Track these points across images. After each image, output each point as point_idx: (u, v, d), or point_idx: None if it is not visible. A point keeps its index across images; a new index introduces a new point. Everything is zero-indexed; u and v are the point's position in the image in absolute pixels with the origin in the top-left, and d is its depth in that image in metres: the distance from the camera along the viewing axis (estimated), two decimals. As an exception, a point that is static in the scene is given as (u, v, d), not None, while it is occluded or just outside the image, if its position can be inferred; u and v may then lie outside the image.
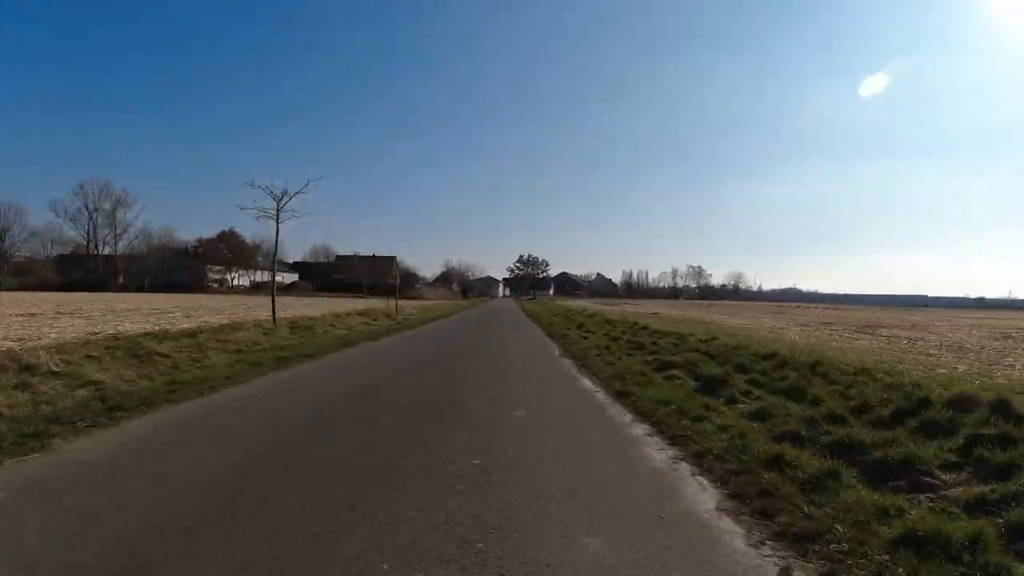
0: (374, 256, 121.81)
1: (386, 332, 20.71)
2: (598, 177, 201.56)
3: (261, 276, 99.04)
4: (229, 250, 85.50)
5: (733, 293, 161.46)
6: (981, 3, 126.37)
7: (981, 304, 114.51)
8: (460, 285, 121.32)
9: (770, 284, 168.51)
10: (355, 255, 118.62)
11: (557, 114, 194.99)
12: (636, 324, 21.23)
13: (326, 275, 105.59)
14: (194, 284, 78.99)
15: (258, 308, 28.93)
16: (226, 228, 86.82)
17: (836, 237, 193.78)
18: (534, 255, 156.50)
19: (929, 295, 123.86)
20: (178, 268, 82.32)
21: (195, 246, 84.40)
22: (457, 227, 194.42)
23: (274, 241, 20.89)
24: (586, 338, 18.30)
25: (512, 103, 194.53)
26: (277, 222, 18.86)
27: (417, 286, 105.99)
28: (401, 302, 57.19)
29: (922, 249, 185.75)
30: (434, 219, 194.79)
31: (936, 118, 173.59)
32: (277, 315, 18.74)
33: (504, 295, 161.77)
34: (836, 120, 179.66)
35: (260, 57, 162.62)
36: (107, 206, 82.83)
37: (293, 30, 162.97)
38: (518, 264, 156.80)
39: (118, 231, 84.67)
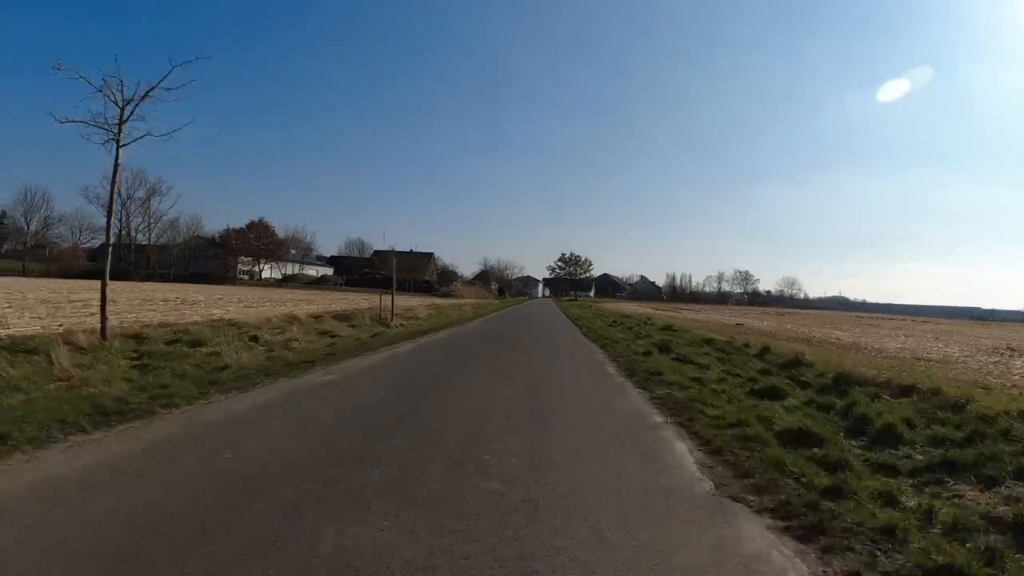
0: (411, 251, 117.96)
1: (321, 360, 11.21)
2: (638, 179, 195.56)
3: (293, 268, 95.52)
4: (258, 241, 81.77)
5: (778, 300, 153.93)
6: (1006, 10, 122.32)
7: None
8: (498, 284, 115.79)
9: (814, 291, 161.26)
10: (391, 249, 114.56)
11: (595, 114, 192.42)
12: (749, 345, 14.86)
13: (360, 270, 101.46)
14: (221, 275, 75.44)
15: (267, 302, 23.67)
16: (256, 218, 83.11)
17: (874, 244, 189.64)
18: (576, 254, 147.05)
19: (983, 307, 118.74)
20: (204, 258, 79.01)
21: (222, 236, 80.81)
22: (497, 226, 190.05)
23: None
24: (716, 390, 9.01)
25: (551, 102, 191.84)
26: (118, 144, 10.18)
27: (455, 283, 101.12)
28: (434, 300, 52.55)
29: (959, 258, 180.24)
30: (474, 217, 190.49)
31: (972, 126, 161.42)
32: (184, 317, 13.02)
33: (543, 295, 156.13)
34: (867, 124, 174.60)
35: (292, 43, 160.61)
36: (141, 194, 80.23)
37: (326, 17, 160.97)
38: (559, 263, 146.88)
39: (151, 220, 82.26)
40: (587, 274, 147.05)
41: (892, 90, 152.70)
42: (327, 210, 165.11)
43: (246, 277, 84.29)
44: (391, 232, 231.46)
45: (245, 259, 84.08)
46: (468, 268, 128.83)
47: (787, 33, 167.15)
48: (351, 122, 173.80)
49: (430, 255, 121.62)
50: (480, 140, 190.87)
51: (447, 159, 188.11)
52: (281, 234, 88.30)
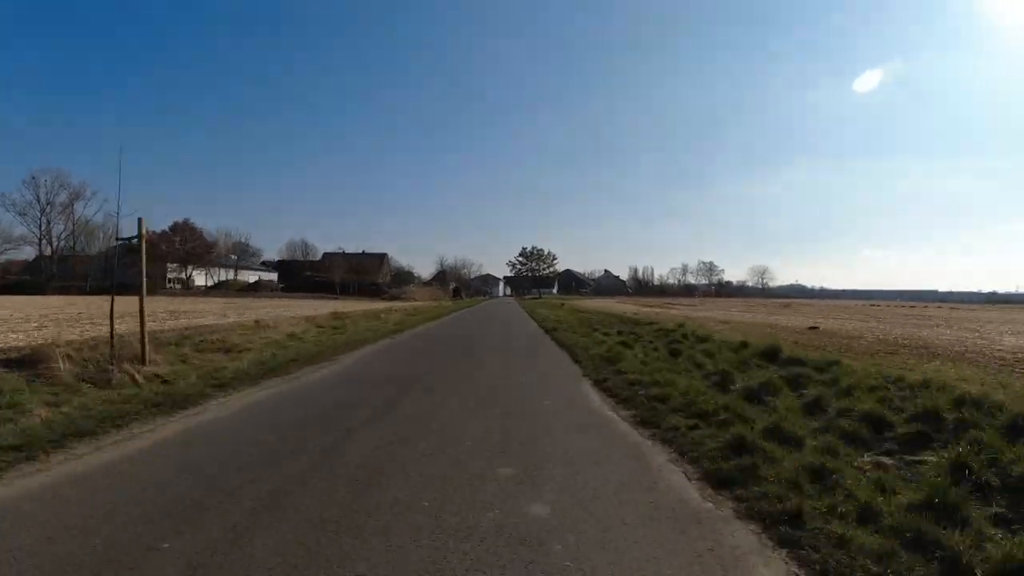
0: (363, 253, 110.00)
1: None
2: (598, 175, 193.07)
3: (227, 274, 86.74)
4: (184, 244, 73.00)
5: (739, 290, 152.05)
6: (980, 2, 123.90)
7: (993, 299, 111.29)
8: (454, 283, 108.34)
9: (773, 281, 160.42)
10: (340, 252, 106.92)
11: (555, 111, 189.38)
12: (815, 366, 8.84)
13: (304, 274, 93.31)
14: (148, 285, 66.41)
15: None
16: (180, 219, 74.13)
17: (835, 233, 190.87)
18: (538, 247, 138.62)
19: (940, 290, 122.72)
20: (123, 266, 69.79)
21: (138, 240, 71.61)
22: (454, 226, 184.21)
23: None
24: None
25: (508, 98, 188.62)
26: None
27: (409, 285, 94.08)
28: (372, 305, 45.33)
29: (919, 245, 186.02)
30: (431, 218, 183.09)
31: (936, 114, 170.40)
32: None
33: (505, 294, 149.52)
34: (834, 116, 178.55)
35: (248, 46, 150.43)
36: (63, 199, 70.51)
37: (282, 19, 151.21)
38: (520, 258, 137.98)
39: (76, 227, 72.27)
40: (551, 269, 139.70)
41: (866, 81, 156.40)
42: (276, 214, 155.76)
43: (177, 286, 75.56)
44: (343, 235, 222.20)
45: (172, 265, 75.04)
46: (427, 270, 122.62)
47: (757, 24, 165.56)
48: (306, 124, 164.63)
49: (383, 256, 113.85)
50: (441, 140, 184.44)
51: (404, 162, 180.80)
52: (215, 237, 79.59)
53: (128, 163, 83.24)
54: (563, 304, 51.08)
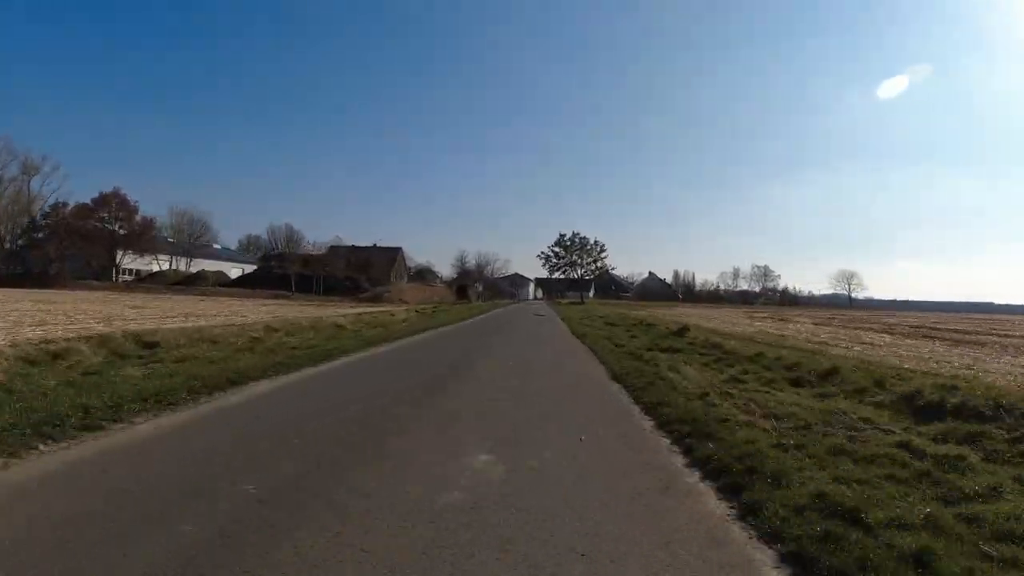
0: (374, 247, 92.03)
1: None
2: (637, 178, 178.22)
3: (183, 264, 69.11)
4: (114, 222, 55.38)
5: (794, 298, 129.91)
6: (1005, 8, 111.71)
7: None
8: (462, 282, 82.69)
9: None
10: (340, 244, 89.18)
11: (592, 113, 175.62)
12: None
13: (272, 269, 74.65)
14: (46, 274, 49.11)
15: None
16: (112, 188, 56.34)
17: (868, 242, 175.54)
18: (582, 235, 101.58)
19: (996, 303, 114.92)
20: (26, 250, 52.62)
21: (47, 215, 54.33)
22: (489, 227, 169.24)
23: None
24: None
25: (549, 101, 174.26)
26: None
27: (402, 282, 74.42)
28: (323, 312, 25.40)
29: (955, 256, 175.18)
30: (466, 217, 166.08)
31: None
32: None
33: (536, 297, 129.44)
34: (865, 123, 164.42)
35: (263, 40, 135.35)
36: (13, 172, 54.41)
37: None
38: (555, 248, 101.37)
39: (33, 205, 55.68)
40: (598, 264, 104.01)
41: (892, 87, 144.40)
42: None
43: (126, 278, 58.72)
44: (365, 230, 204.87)
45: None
46: (449, 270, 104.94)
47: (788, 31, 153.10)
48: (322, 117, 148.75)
49: (396, 251, 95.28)
50: (474, 139, 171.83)
51: (439, 157, 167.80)
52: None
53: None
54: (641, 322, 30.32)
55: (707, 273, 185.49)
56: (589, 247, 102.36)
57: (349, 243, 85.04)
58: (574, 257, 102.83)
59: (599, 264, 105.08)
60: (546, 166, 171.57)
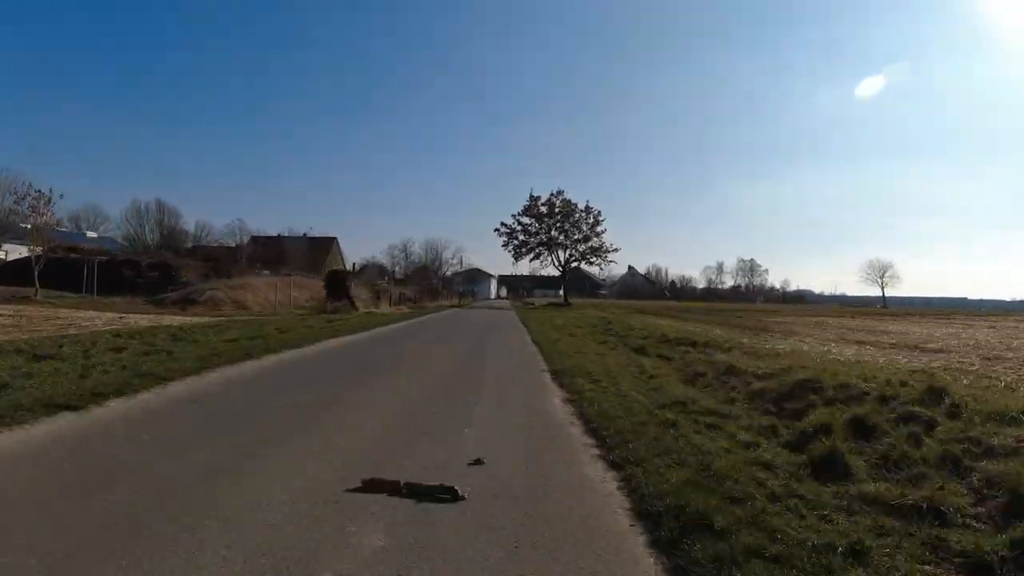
0: (304, 236, 70.96)
1: None
2: (611, 177, 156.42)
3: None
4: None
5: (798, 296, 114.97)
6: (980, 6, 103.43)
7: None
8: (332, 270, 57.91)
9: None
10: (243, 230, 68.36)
11: (560, 111, 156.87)
12: None
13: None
14: None
15: None
16: None
17: (840, 238, 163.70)
18: (566, 196, 65.05)
19: (970, 298, 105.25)
20: None
21: None
22: (461, 227, 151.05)
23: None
24: None
25: (523, 100, 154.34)
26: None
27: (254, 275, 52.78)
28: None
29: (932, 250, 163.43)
30: (419, 211, 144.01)
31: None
32: None
33: (499, 296, 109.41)
34: (838, 120, 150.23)
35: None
36: None
37: None
38: (523, 219, 65.19)
39: None
40: (591, 242, 64.39)
41: (869, 86, 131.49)
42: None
43: None
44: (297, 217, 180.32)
45: None
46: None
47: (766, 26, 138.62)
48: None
49: (330, 241, 74.53)
50: (442, 138, 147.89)
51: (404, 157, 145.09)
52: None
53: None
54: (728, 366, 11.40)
55: (684, 268, 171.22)
56: (577, 216, 63.64)
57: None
58: (553, 232, 63.72)
59: (594, 242, 63.97)
60: (529, 168, 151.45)
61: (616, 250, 64.02)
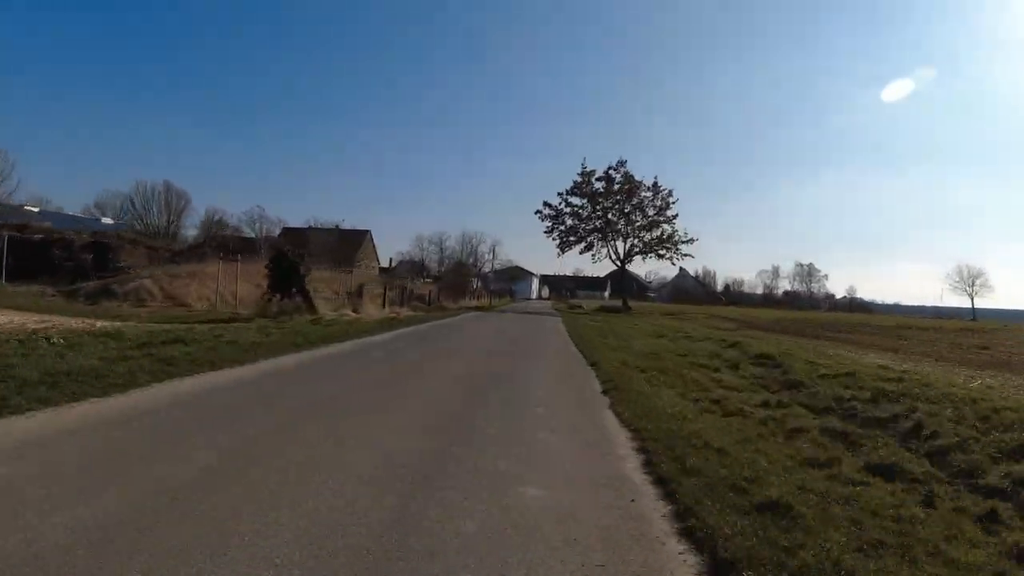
0: (336, 228, 63.84)
1: None
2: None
3: None
4: None
5: (864, 305, 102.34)
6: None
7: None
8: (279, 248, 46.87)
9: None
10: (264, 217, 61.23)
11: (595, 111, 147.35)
12: None
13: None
14: None
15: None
16: None
17: (874, 244, 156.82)
18: (627, 168, 50.24)
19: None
20: None
21: None
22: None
23: None
24: None
25: (559, 105, 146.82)
26: None
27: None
28: None
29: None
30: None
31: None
32: None
33: (541, 297, 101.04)
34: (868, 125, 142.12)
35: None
36: None
37: None
38: (571, 198, 50.74)
39: None
40: (662, 230, 49.69)
41: (897, 90, 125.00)
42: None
43: None
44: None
45: None
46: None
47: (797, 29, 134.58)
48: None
49: (363, 234, 68.43)
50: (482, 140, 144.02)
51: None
52: None
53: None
54: None
55: (733, 271, 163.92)
56: (642, 196, 48.93)
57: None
58: (611, 216, 49.28)
59: (664, 229, 49.49)
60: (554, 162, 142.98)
61: (692, 240, 48.91)
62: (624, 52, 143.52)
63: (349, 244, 60.53)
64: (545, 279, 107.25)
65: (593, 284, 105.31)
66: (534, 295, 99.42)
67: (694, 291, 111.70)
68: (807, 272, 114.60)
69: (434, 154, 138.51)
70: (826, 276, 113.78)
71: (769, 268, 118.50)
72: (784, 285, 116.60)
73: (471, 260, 75.92)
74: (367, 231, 70.54)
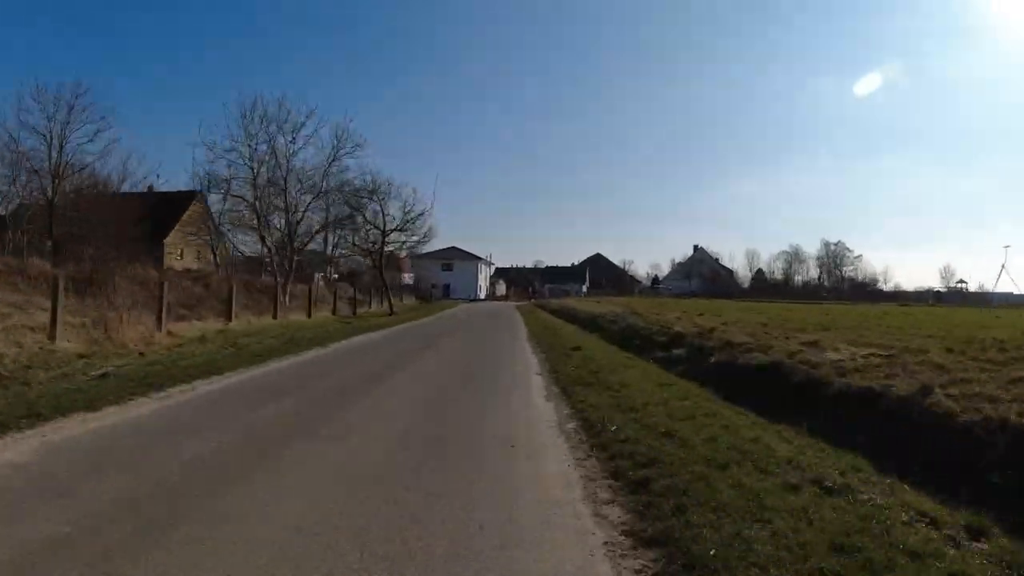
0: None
1: None
2: (608, 174, 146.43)
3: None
4: None
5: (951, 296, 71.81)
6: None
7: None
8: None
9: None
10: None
11: (563, 108, 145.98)
12: None
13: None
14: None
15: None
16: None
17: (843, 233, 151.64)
18: None
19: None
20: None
21: None
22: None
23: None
24: None
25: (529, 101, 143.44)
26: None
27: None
28: None
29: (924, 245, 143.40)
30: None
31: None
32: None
33: (491, 294, 78.13)
34: (837, 115, 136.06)
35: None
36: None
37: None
38: None
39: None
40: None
41: (866, 84, 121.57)
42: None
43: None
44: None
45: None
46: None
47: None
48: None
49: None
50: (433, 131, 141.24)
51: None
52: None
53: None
54: None
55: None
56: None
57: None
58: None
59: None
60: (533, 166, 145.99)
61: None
62: (611, 47, 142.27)
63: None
64: (502, 272, 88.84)
65: (565, 275, 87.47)
66: (482, 292, 74.85)
67: (716, 280, 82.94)
68: (836, 253, 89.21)
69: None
70: (859, 257, 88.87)
71: (789, 248, 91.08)
72: (812, 269, 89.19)
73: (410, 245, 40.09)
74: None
